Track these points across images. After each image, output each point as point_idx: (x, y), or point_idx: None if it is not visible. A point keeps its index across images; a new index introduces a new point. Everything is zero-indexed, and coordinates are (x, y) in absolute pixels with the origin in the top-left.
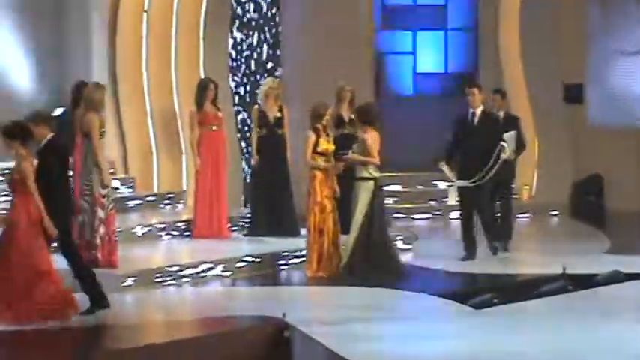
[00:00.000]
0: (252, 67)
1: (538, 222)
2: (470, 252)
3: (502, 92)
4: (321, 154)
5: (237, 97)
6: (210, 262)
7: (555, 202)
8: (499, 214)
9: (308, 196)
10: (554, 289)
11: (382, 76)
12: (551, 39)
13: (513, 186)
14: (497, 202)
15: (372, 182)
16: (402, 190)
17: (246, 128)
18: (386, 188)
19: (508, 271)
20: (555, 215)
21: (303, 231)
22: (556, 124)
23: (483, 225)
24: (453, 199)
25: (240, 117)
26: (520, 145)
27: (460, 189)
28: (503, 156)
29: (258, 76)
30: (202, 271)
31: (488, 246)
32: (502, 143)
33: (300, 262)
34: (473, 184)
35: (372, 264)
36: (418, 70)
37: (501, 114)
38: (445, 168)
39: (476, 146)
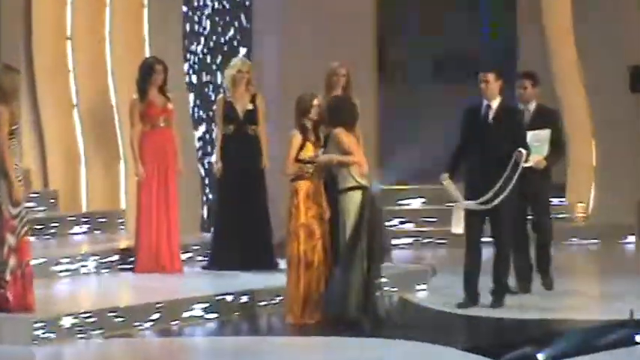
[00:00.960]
0: (216, 43)
1: (596, 249)
2: (470, 295)
3: (532, 77)
4: (307, 161)
5: (193, 84)
6: (157, 305)
7: (619, 223)
8: (537, 243)
9: (289, 216)
10: (618, 340)
11: (389, 56)
12: (612, 7)
13: (551, 202)
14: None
15: (359, 193)
16: (419, 207)
17: (206, 125)
18: (395, 206)
19: (556, 316)
20: (620, 241)
21: (283, 263)
22: (620, 120)
23: (496, 263)
24: (457, 227)
25: (197, 109)
26: (556, 148)
27: (468, 212)
28: (524, 164)
29: (222, 57)
30: (145, 318)
31: (495, 293)
32: (520, 149)
33: (278, 305)
34: (483, 206)
35: (376, 308)
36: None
37: (531, 107)
38: (447, 183)
39: (489, 152)
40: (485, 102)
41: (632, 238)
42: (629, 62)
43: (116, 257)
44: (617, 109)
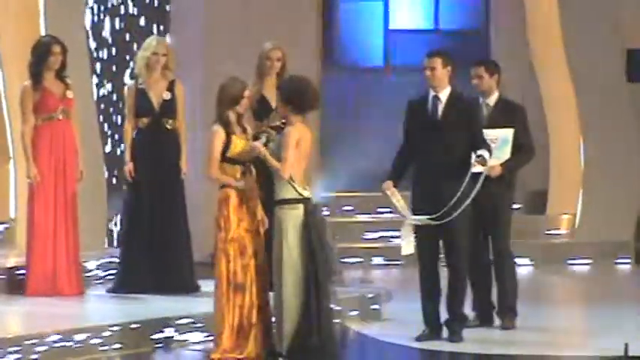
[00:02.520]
0: (125, 19)
1: (584, 270)
2: (432, 326)
3: (490, 64)
4: (235, 161)
5: (99, 68)
6: (54, 335)
7: (612, 239)
8: (495, 273)
9: (218, 229)
10: None
11: (334, 36)
12: None
13: (510, 222)
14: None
15: (300, 208)
16: (364, 219)
17: (114, 117)
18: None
19: (537, 352)
20: (612, 261)
21: (206, 285)
22: (614, 116)
23: (450, 289)
24: (407, 247)
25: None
26: (520, 152)
27: (419, 229)
28: (473, 170)
29: (133, 36)
30: (41, 349)
31: (450, 325)
32: (480, 152)
33: (199, 336)
34: (435, 222)
35: (322, 344)
36: (392, 27)
37: (491, 100)
38: (391, 193)
39: (439, 154)
40: (432, 93)
41: (626, 258)
42: (625, 46)
43: (4, 276)
44: (611, 102)
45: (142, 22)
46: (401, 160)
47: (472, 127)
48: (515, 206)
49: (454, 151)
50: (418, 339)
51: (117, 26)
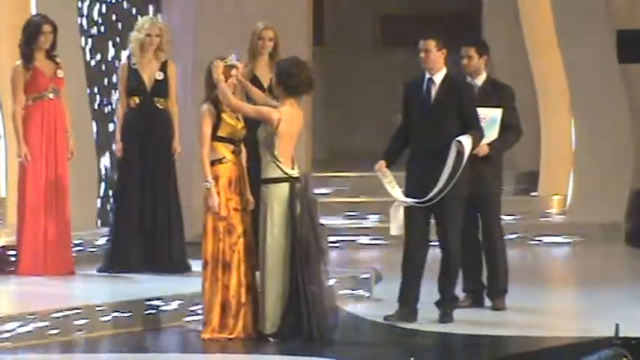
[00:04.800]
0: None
1: (575, 251)
2: (407, 308)
3: (479, 44)
4: (226, 139)
5: (90, 46)
6: (44, 315)
7: (602, 220)
8: (486, 256)
9: (206, 207)
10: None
11: (326, 13)
12: None
13: (500, 205)
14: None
15: (285, 186)
16: (355, 199)
17: (106, 100)
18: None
19: (528, 333)
20: (603, 242)
21: (195, 265)
22: (605, 97)
23: (442, 271)
24: (396, 228)
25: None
26: (507, 133)
27: (408, 210)
28: (455, 156)
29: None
30: (34, 329)
31: (441, 306)
32: (459, 138)
33: (190, 315)
34: (422, 203)
35: (309, 324)
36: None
37: (479, 81)
38: (383, 174)
39: (432, 137)
40: (427, 75)
41: (617, 239)
42: (617, 26)
43: None
44: (601, 81)
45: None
46: (396, 141)
47: (465, 109)
48: (504, 187)
49: (446, 134)
50: (386, 318)
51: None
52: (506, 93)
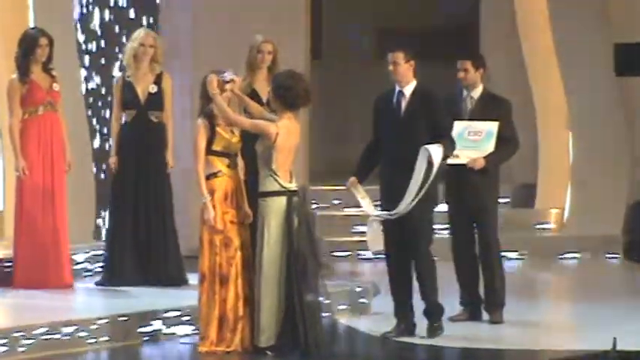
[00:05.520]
0: (116, 11)
1: (573, 264)
2: (403, 322)
3: (475, 57)
4: (221, 153)
5: (87, 60)
6: (40, 328)
7: (600, 234)
8: (483, 269)
9: (202, 222)
10: None
11: (323, 27)
12: None
13: (496, 217)
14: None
15: (282, 199)
16: (351, 212)
17: (102, 112)
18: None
19: (525, 347)
20: (601, 255)
21: (192, 278)
22: (603, 110)
23: (419, 277)
24: (374, 243)
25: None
26: (504, 146)
27: (384, 224)
28: (452, 162)
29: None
30: (28, 342)
31: (428, 314)
32: (426, 146)
33: (186, 329)
34: (393, 215)
35: (306, 338)
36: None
37: (475, 93)
38: (354, 189)
39: (403, 150)
40: (397, 88)
41: (615, 252)
42: (614, 39)
43: None
44: (598, 95)
45: (132, 14)
46: (367, 156)
47: (435, 120)
48: (502, 200)
49: (418, 146)
50: (385, 335)
51: (106, 18)
52: (503, 106)
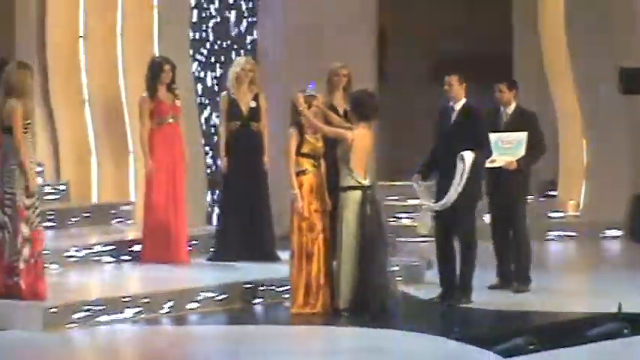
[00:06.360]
0: (222, 42)
1: (586, 246)
2: (447, 288)
3: (508, 81)
4: (308, 155)
5: (199, 84)
6: (164, 295)
7: (609, 220)
8: (514, 252)
9: (292, 210)
10: (606, 332)
11: (389, 54)
12: (604, 9)
13: (525, 215)
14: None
15: (358, 192)
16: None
17: (211, 124)
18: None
19: (547, 309)
20: (609, 237)
21: (283, 255)
22: (611, 121)
23: (460, 264)
24: (422, 228)
25: (204, 109)
26: (533, 151)
27: (436, 213)
28: (490, 165)
29: (225, 57)
30: (153, 306)
31: (461, 288)
32: (462, 153)
33: (281, 295)
34: (439, 208)
35: (375, 302)
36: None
37: (509, 109)
38: (416, 184)
39: (451, 153)
40: (450, 103)
41: (621, 234)
42: (620, 63)
43: (125, 247)
44: (607, 109)
45: (233, 54)
46: (430, 158)
47: (475, 132)
48: (530, 196)
49: (461, 152)
50: (433, 299)
51: (213, 48)
52: (532, 118)
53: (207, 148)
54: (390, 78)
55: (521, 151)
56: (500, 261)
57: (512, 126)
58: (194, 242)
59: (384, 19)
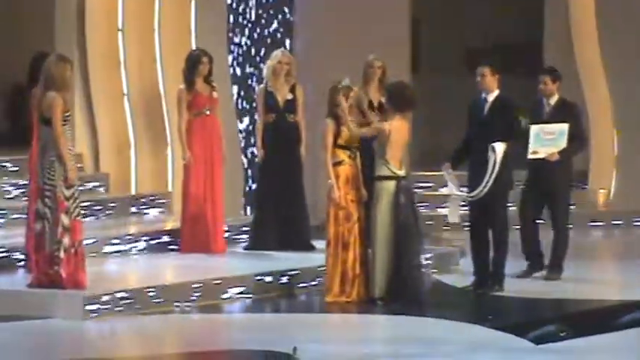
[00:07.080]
0: (259, 35)
1: (617, 234)
2: (479, 278)
3: (552, 73)
4: (344, 146)
5: (237, 75)
6: (202, 283)
7: (638, 209)
8: (553, 240)
9: (328, 200)
10: (637, 319)
11: (422, 45)
12: (634, 1)
13: (569, 204)
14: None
15: (392, 182)
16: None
17: (249, 116)
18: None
19: (578, 297)
20: (639, 225)
21: (319, 244)
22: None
23: (494, 251)
24: (452, 217)
25: (240, 100)
26: (575, 142)
27: (469, 203)
28: (532, 157)
29: (265, 49)
30: (192, 295)
31: (493, 276)
32: (493, 144)
33: (316, 284)
34: (472, 197)
35: (409, 290)
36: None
37: (552, 101)
38: (447, 173)
39: (483, 144)
40: (483, 95)
41: None
42: None
43: (163, 237)
44: (638, 98)
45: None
46: (461, 148)
47: (507, 123)
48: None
49: (494, 142)
50: (466, 287)
51: (250, 41)
52: (573, 110)
53: (243, 142)
54: (422, 69)
55: (563, 143)
56: (528, 246)
57: (555, 117)
58: (231, 232)
59: (416, 11)
